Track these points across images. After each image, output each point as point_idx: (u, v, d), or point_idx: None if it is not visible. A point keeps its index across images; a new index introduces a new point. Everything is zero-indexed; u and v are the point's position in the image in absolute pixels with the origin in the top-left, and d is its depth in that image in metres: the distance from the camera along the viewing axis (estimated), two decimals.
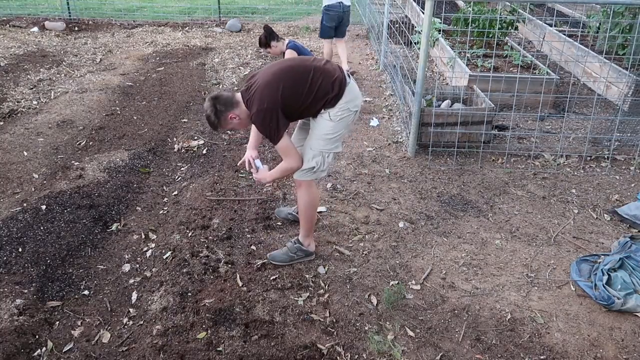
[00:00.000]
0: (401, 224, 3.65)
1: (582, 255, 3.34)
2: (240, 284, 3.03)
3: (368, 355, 2.61)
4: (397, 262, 3.27)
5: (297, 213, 3.38)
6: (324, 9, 6.65)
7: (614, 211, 3.83)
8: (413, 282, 3.10)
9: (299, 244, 3.18)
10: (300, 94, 2.79)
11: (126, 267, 3.26)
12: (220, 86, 6.52)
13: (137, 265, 3.28)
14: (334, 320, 2.80)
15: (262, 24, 9.90)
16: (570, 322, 2.83)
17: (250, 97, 2.79)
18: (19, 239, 3.37)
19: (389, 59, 7.00)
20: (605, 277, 3.01)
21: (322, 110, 2.86)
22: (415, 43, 6.58)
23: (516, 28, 7.33)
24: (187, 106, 5.82)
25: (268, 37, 5.45)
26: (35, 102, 5.79)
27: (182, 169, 4.47)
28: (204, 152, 4.70)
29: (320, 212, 3.74)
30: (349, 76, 2.93)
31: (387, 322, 2.80)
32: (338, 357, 2.59)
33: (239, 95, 2.85)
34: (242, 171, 4.31)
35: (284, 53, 5.45)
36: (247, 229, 3.54)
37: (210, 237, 3.44)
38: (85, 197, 3.86)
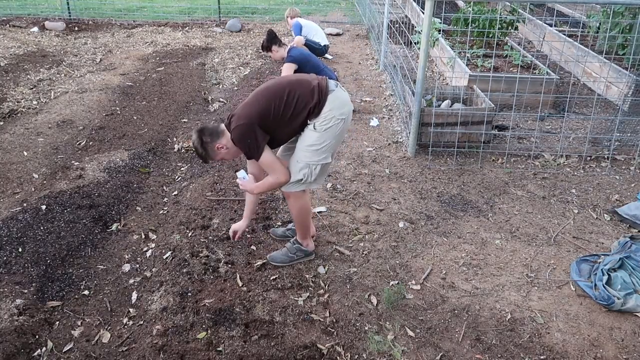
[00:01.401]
0: (401, 224, 3.65)
1: (582, 255, 3.34)
2: (240, 284, 3.03)
3: (368, 355, 2.61)
4: (397, 262, 3.27)
5: (294, 227, 3.30)
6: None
7: (614, 211, 3.83)
8: (413, 282, 3.10)
9: (298, 244, 3.18)
10: (277, 110, 2.76)
11: (126, 267, 3.26)
12: (220, 86, 6.52)
13: (137, 265, 3.28)
14: (334, 320, 2.80)
15: (262, 24, 9.91)
16: (570, 322, 2.83)
17: (229, 121, 2.84)
18: (19, 239, 3.37)
19: (389, 59, 7.00)
20: (605, 277, 3.01)
21: (308, 122, 2.81)
22: (415, 43, 6.58)
23: (516, 28, 7.33)
24: (187, 106, 5.82)
25: (270, 42, 5.44)
26: (35, 102, 5.79)
27: (182, 169, 4.47)
28: None
29: (320, 212, 3.74)
30: (337, 84, 2.87)
31: (387, 322, 2.80)
32: (338, 357, 2.59)
33: (222, 125, 2.88)
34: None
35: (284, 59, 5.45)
36: (247, 229, 3.54)
37: (210, 237, 3.44)
38: (85, 197, 3.86)
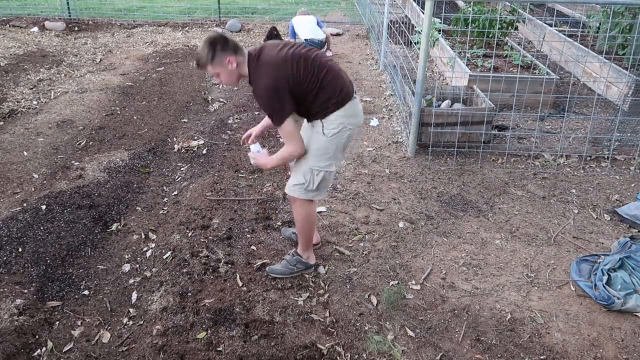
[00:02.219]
0: (401, 224, 3.65)
1: (582, 255, 3.34)
2: (240, 284, 3.03)
3: (368, 355, 2.61)
4: (397, 262, 3.27)
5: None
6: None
7: (614, 211, 3.83)
8: (413, 282, 3.10)
9: (298, 256, 3.09)
10: (310, 83, 2.62)
11: (126, 267, 3.26)
12: (220, 86, 6.52)
13: (137, 265, 3.28)
14: (334, 320, 2.80)
15: (262, 24, 9.91)
16: (570, 322, 2.83)
17: (259, 67, 2.61)
18: (19, 239, 3.37)
19: (389, 59, 7.00)
20: (605, 277, 3.01)
21: (319, 117, 2.72)
22: (415, 43, 6.58)
23: (516, 28, 7.33)
24: (187, 106, 5.82)
25: (269, 38, 5.44)
26: (35, 102, 5.78)
27: (182, 169, 4.47)
28: (204, 152, 4.70)
29: (320, 212, 3.74)
30: (355, 93, 2.83)
31: (387, 322, 2.80)
32: (338, 357, 2.59)
33: (246, 53, 2.66)
34: (242, 171, 4.31)
35: None
36: (247, 229, 3.54)
37: (210, 237, 3.44)
38: (85, 197, 3.86)
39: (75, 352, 2.63)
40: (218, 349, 2.60)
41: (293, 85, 2.59)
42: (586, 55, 6.49)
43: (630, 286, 2.97)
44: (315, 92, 2.65)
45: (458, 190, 4.10)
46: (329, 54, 7.74)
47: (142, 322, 2.80)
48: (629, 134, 5.02)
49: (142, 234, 3.58)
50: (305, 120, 2.90)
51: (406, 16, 9.89)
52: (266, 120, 3.05)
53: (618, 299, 2.87)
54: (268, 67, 2.58)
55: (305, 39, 7.07)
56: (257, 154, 2.89)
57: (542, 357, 2.61)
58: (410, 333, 2.73)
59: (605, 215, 3.83)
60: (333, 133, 2.73)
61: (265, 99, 2.60)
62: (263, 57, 2.63)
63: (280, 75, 2.57)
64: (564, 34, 7.46)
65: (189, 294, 2.93)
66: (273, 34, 5.43)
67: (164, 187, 4.19)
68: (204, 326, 2.73)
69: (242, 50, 2.65)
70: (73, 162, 4.47)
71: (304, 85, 2.62)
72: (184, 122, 5.43)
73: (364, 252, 3.35)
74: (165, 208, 3.89)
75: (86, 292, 3.04)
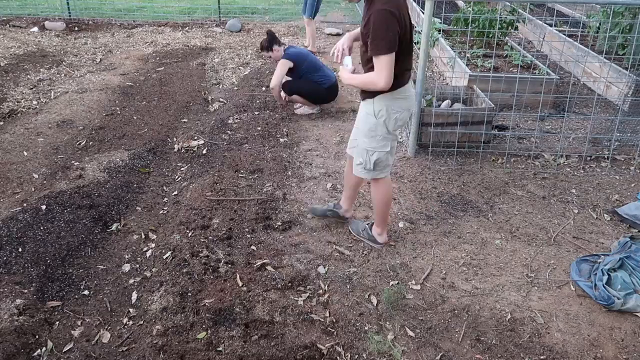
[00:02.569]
0: (401, 224, 3.65)
1: (582, 255, 3.34)
2: (240, 284, 3.03)
3: (368, 355, 2.61)
4: (397, 262, 3.27)
5: (339, 208, 3.50)
6: None
7: (614, 211, 3.83)
8: (413, 282, 3.10)
9: (369, 228, 3.33)
10: (406, 48, 2.70)
11: (126, 267, 3.26)
12: (220, 86, 6.52)
13: (137, 265, 3.28)
14: (334, 320, 2.80)
15: (262, 24, 9.91)
16: (570, 322, 2.83)
17: None
18: (19, 239, 3.37)
19: None
20: (605, 277, 3.01)
21: (376, 93, 2.78)
22: (415, 43, 6.58)
23: (516, 28, 7.33)
24: (187, 106, 5.82)
25: (271, 42, 5.41)
26: (35, 102, 5.78)
27: (182, 169, 4.47)
28: (204, 152, 4.70)
29: None
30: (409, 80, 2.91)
31: (387, 322, 2.80)
32: (338, 357, 2.59)
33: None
34: (242, 171, 4.31)
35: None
36: (247, 229, 3.54)
37: (210, 237, 3.44)
38: (85, 197, 3.86)
39: (75, 352, 2.63)
40: (218, 349, 2.60)
41: (402, 31, 2.62)
42: (586, 55, 6.49)
43: (630, 286, 2.97)
44: (398, 59, 2.65)
45: (458, 190, 4.10)
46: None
47: (142, 322, 2.80)
48: (629, 134, 5.02)
49: (142, 234, 3.58)
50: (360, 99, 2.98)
51: None
52: (355, 34, 2.95)
53: (618, 299, 2.87)
54: (391, 2, 2.59)
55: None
56: (344, 67, 2.86)
57: (542, 357, 2.61)
58: (410, 333, 2.73)
59: (605, 215, 3.83)
60: (382, 114, 2.82)
61: (378, 21, 2.54)
62: None
63: (400, 7, 2.60)
64: (564, 34, 7.46)
65: (189, 294, 2.93)
66: (271, 37, 5.39)
67: (164, 187, 4.19)
68: (204, 326, 2.73)
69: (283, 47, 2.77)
70: (73, 162, 4.47)
71: (401, 41, 2.63)
72: (184, 122, 5.43)
73: (364, 252, 3.35)
74: (165, 208, 3.89)
75: (86, 292, 3.04)
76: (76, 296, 3.01)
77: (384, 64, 2.60)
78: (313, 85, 5.41)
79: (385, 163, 3.01)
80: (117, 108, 5.66)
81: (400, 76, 2.77)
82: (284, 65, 5.28)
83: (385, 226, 3.33)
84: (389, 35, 2.54)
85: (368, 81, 2.75)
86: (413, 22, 9.60)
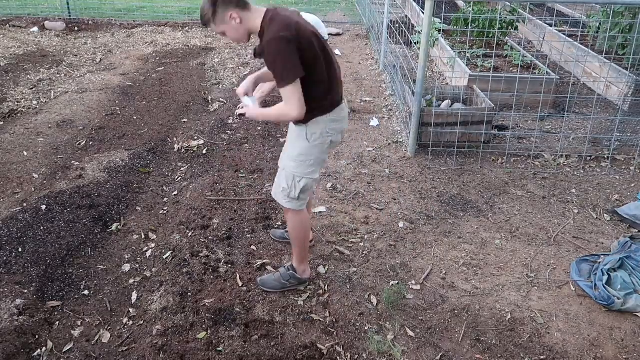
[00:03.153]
0: (401, 224, 3.65)
1: (582, 255, 3.34)
2: (240, 284, 3.03)
3: (368, 355, 2.61)
4: (397, 262, 3.27)
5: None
6: None
7: (614, 211, 3.83)
8: (413, 282, 3.10)
9: (293, 271, 2.96)
10: (319, 69, 2.45)
11: (126, 267, 3.26)
12: (220, 86, 6.52)
13: (137, 265, 3.28)
14: (334, 320, 2.80)
15: None
16: (570, 322, 2.83)
17: (275, 16, 2.39)
18: (19, 239, 3.37)
19: (389, 59, 7.00)
20: (605, 277, 3.01)
21: (306, 119, 2.53)
22: (415, 43, 6.58)
23: (516, 28, 7.33)
24: (187, 106, 5.82)
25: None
26: (35, 102, 5.78)
27: (182, 169, 4.47)
28: (204, 152, 4.69)
29: (320, 212, 3.74)
30: (342, 98, 2.71)
31: (387, 322, 2.80)
32: (338, 357, 2.59)
33: (262, 9, 2.44)
34: (242, 171, 4.30)
35: None
36: (247, 229, 3.54)
37: (210, 237, 3.44)
38: (85, 197, 3.86)
39: (75, 352, 2.63)
40: (218, 349, 2.60)
41: (306, 51, 2.38)
42: (586, 55, 6.49)
43: (630, 286, 2.97)
44: (321, 81, 2.48)
45: (458, 190, 4.10)
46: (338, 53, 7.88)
47: (142, 322, 2.80)
48: (629, 134, 5.02)
49: (142, 234, 3.58)
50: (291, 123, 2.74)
51: (406, 16, 9.89)
52: (257, 76, 2.74)
53: (618, 299, 2.87)
54: (282, 21, 2.36)
55: (326, 38, 7.28)
56: (248, 106, 2.64)
57: (542, 357, 2.61)
58: (410, 333, 2.73)
59: (605, 215, 3.83)
60: (315, 139, 2.61)
61: (273, 52, 2.32)
62: (281, 12, 2.44)
63: (295, 29, 2.34)
64: (564, 34, 7.46)
65: (189, 294, 2.93)
66: None
67: (164, 187, 4.19)
68: (204, 326, 2.73)
69: (248, 4, 2.43)
70: (73, 162, 4.47)
71: (313, 66, 2.42)
72: (184, 122, 5.43)
73: (364, 252, 3.35)
74: (165, 208, 3.89)
75: (86, 292, 3.04)
76: (76, 296, 3.01)
77: (289, 94, 2.38)
78: None
79: (309, 191, 2.77)
80: (117, 108, 5.66)
81: (328, 98, 2.57)
82: None
83: (307, 260, 3.01)
84: (287, 63, 2.32)
85: (280, 113, 2.53)
86: (413, 22, 9.54)
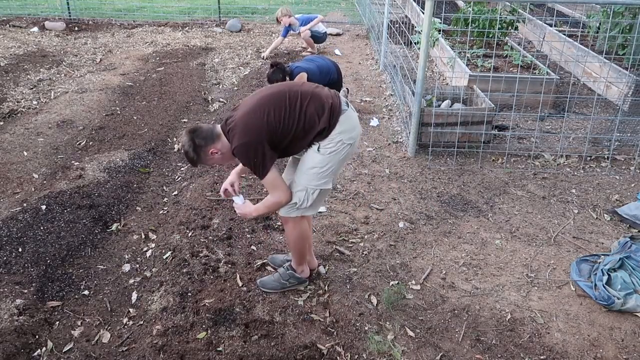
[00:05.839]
0: (401, 224, 3.65)
1: (582, 255, 3.34)
2: (240, 284, 3.03)
3: (368, 355, 2.61)
4: (397, 262, 3.27)
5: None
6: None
7: (614, 211, 3.83)
8: (413, 282, 3.10)
9: (292, 271, 2.96)
10: (286, 126, 2.49)
11: (126, 267, 3.26)
12: (220, 86, 6.52)
13: (137, 265, 3.28)
14: (334, 320, 2.80)
15: (262, 24, 9.90)
16: (570, 322, 2.83)
17: (230, 128, 2.51)
18: (19, 239, 3.37)
19: (389, 59, 7.00)
20: (605, 277, 3.01)
21: (313, 143, 2.57)
22: (415, 43, 6.58)
23: (516, 28, 7.33)
24: (187, 106, 5.82)
25: (284, 74, 4.83)
26: (35, 102, 5.79)
27: (182, 169, 4.47)
28: None
29: (320, 212, 3.74)
30: (347, 104, 2.63)
31: (387, 322, 2.80)
32: (338, 357, 2.59)
33: (218, 127, 2.59)
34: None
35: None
36: (247, 229, 3.54)
37: (210, 237, 3.44)
38: (85, 197, 3.86)
39: (75, 352, 2.63)
40: (218, 349, 2.60)
41: (271, 132, 2.48)
42: (586, 55, 6.49)
43: (630, 286, 2.97)
44: (302, 126, 2.51)
45: (458, 190, 4.10)
46: (337, 52, 8.01)
47: (142, 322, 2.80)
48: (629, 134, 5.02)
49: (142, 234, 3.58)
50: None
51: (406, 16, 9.89)
52: (240, 169, 2.92)
53: (618, 299, 2.87)
54: (237, 126, 2.49)
55: (324, 32, 7.78)
56: (240, 205, 2.78)
57: (542, 357, 2.61)
58: (410, 333, 2.73)
59: (605, 215, 3.83)
60: (331, 150, 2.56)
61: (242, 156, 2.51)
62: (232, 119, 2.54)
63: (251, 129, 2.47)
64: (564, 34, 7.46)
65: (189, 294, 2.93)
66: (279, 73, 4.78)
67: (164, 187, 4.19)
68: (204, 326, 2.73)
69: (216, 131, 2.58)
70: (73, 162, 4.47)
71: (284, 127, 2.50)
72: (184, 122, 5.43)
73: (364, 252, 3.35)
74: (165, 208, 3.89)
75: (86, 292, 3.04)
76: (76, 296, 3.01)
77: (270, 184, 2.57)
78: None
79: (319, 199, 2.70)
80: (117, 108, 5.66)
81: (321, 121, 2.52)
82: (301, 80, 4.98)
83: (305, 262, 2.98)
84: (257, 162, 2.48)
85: (270, 204, 2.66)
86: (413, 22, 9.54)
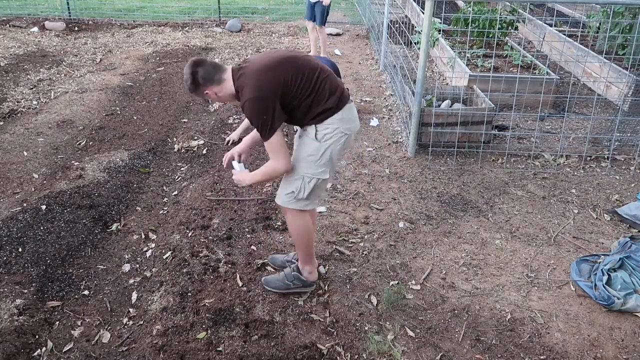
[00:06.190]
0: (401, 224, 3.65)
1: (582, 255, 3.34)
2: (240, 284, 3.03)
3: (368, 355, 2.61)
4: (397, 262, 3.27)
5: (296, 260, 3.00)
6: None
7: (614, 211, 3.83)
8: (413, 282, 3.10)
9: (297, 272, 2.89)
10: (301, 90, 2.46)
11: (126, 267, 3.26)
12: None
13: (137, 265, 3.28)
14: (334, 320, 2.80)
15: (262, 24, 9.90)
16: (570, 322, 2.83)
17: (243, 78, 2.45)
18: (19, 239, 3.37)
19: (389, 59, 7.00)
20: (605, 277, 3.01)
21: (314, 122, 2.54)
22: (415, 43, 6.58)
23: (516, 28, 7.33)
24: (187, 106, 5.82)
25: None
26: (35, 102, 5.79)
27: (182, 169, 4.47)
28: (204, 152, 4.70)
29: (320, 212, 3.74)
30: (349, 98, 2.66)
31: (387, 322, 2.80)
32: (338, 357, 2.59)
33: (227, 71, 2.52)
34: None
35: None
36: (247, 229, 3.54)
37: (210, 237, 3.44)
38: (85, 197, 3.86)
39: (75, 352, 2.63)
40: (218, 349, 2.60)
41: (284, 93, 2.44)
42: (586, 55, 6.49)
43: (630, 286, 2.97)
44: (312, 98, 2.50)
45: (458, 190, 4.10)
46: (337, 51, 7.83)
47: (142, 322, 2.80)
48: (629, 134, 5.02)
49: (142, 234, 3.58)
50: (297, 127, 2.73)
51: (406, 16, 9.89)
52: (251, 137, 2.86)
53: (618, 299, 2.87)
54: (252, 78, 2.43)
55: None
56: (238, 170, 2.73)
57: (542, 357, 2.61)
58: (410, 333, 2.73)
59: (605, 215, 3.83)
60: (327, 138, 2.55)
61: (251, 111, 2.43)
62: (246, 69, 2.48)
63: (265, 84, 2.41)
64: (564, 34, 7.46)
65: (189, 294, 2.93)
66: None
67: (164, 187, 4.19)
68: (204, 326, 2.73)
69: (221, 73, 2.51)
70: (73, 162, 4.47)
71: (297, 92, 2.47)
72: (184, 122, 5.43)
73: (364, 252, 3.35)
74: (165, 208, 3.89)
75: (86, 292, 3.04)
76: (76, 296, 3.01)
77: (273, 147, 2.49)
78: None
79: (318, 192, 2.68)
80: (117, 108, 5.67)
81: (329, 101, 2.52)
82: None
83: (313, 260, 2.91)
84: (266, 120, 2.41)
85: (268, 171, 2.59)
86: (413, 22, 9.54)
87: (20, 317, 2.75)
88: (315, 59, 2.64)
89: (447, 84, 6.28)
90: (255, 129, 2.55)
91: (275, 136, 2.46)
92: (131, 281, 3.14)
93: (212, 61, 2.58)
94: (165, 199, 4.03)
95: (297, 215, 2.71)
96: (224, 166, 2.90)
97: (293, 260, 3.07)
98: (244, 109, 2.47)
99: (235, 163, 2.78)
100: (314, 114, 2.53)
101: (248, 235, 3.48)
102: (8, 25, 9.04)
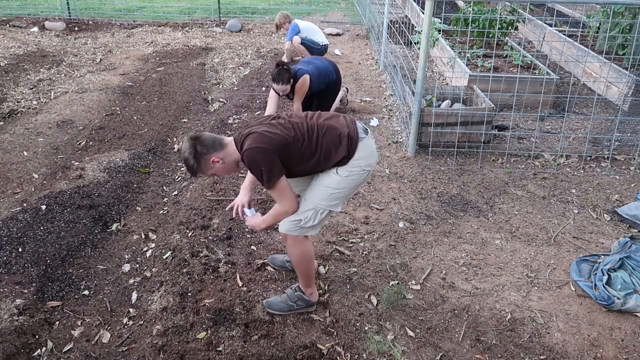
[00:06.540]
0: (401, 224, 3.65)
1: (582, 255, 3.34)
2: (240, 284, 3.03)
3: (368, 355, 2.61)
4: (397, 262, 3.27)
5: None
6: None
7: (614, 211, 3.83)
8: (413, 282, 3.10)
9: (300, 292, 2.83)
10: (302, 150, 2.50)
11: (126, 267, 3.26)
12: (220, 86, 6.51)
13: (137, 265, 3.28)
14: (334, 320, 2.80)
15: (262, 24, 9.90)
16: (570, 322, 2.83)
17: (243, 137, 2.48)
18: (19, 239, 3.37)
19: (389, 59, 7.00)
20: (605, 277, 3.01)
21: (333, 168, 2.57)
22: (415, 43, 6.58)
23: (516, 28, 7.33)
24: (187, 106, 5.82)
25: (288, 77, 4.70)
26: (35, 102, 5.79)
27: (182, 169, 4.47)
28: None
29: None
30: (366, 130, 2.62)
31: (387, 322, 2.80)
32: (338, 357, 2.59)
33: (227, 138, 2.57)
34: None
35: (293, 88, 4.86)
36: (247, 229, 3.54)
37: (210, 237, 3.44)
38: (85, 197, 3.86)
39: (75, 352, 2.63)
40: (218, 349, 2.60)
41: (288, 150, 2.46)
42: (586, 55, 6.49)
43: (630, 286, 2.97)
44: (317, 158, 2.53)
45: (458, 190, 4.10)
46: (338, 53, 7.82)
47: (142, 322, 2.80)
48: (629, 134, 5.02)
49: (142, 234, 3.58)
50: None
51: (406, 16, 9.89)
52: (249, 182, 2.86)
53: (618, 299, 2.87)
54: (253, 135, 2.46)
55: (323, 44, 7.00)
56: (251, 217, 2.77)
57: (542, 357, 2.61)
58: (410, 333, 2.73)
59: (605, 215, 3.83)
60: (349, 174, 2.56)
61: (252, 161, 2.44)
62: (248, 131, 2.49)
63: (266, 138, 2.44)
64: (564, 34, 7.46)
65: (189, 294, 2.93)
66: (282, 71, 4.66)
67: (164, 187, 4.20)
68: (204, 326, 2.73)
69: (222, 140, 2.54)
70: (73, 162, 4.47)
71: (301, 153, 2.50)
72: (184, 122, 5.43)
73: (364, 252, 3.35)
74: (165, 208, 3.89)
75: (86, 292, 3.04)
76: (76, 296, 3.01)
77: (278, 193, 2.53)
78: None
79: (323, 221, 2.69)
80: (117, 108, 5.66)
81: (340, 149, 2.53)
82: (304, 83, 4.87)
83: (313, 284, 2.87)
84: (265, 169, 2.42)
85: (277, 214, 2.62)
86: (413, 22, 9.53)
87: (20, 317, 2.75)
88: (312, 119, 2.60)
89: (447, 84, 6.28)
90: (256, 178, 2.53)
91: (279, 182, 2.48)
92: (131, 281, 3.14)
93: (208, 133, 2.60)
94: (165, 199, 4.03)
95: (298, 241, 2.68)
96: (234, 216, 2.92)
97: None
98: (245, 162, 2.48)
99: (247, 210, 2.80)
100: (330, 166, 2.56)
101: (248, 235, 3.48)
102: (8, 25, 9.04)
